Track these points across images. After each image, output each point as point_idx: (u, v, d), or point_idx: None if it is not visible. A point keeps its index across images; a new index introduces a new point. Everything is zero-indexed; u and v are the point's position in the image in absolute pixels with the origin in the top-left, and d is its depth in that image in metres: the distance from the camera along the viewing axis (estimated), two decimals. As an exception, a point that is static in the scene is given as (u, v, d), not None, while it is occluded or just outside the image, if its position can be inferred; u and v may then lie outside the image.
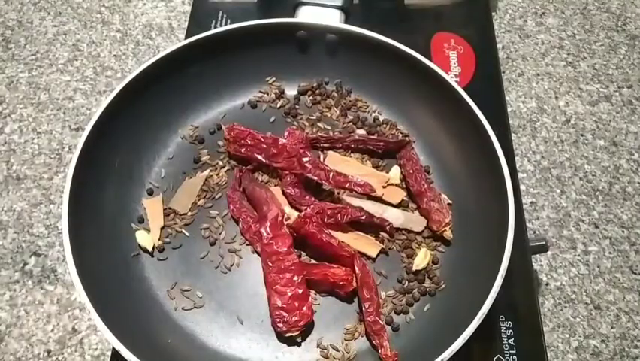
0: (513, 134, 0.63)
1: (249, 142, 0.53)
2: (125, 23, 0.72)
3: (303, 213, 0.49)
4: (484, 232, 0.48)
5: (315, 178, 0.51)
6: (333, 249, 0.47)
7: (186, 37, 0.62)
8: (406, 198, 0.53)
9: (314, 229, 0.48)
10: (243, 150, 0.54)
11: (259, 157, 0.53)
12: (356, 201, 0.52)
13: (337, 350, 0.47)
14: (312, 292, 0.48)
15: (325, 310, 0.48)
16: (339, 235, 0.50)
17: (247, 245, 0.51)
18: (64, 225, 0.45)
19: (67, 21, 0.72)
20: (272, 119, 0.58)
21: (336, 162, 0.54)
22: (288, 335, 0.46)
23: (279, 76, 0.59)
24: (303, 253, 0.50)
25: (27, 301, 0.53)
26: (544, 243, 0.55)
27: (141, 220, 0.52)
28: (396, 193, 0.52)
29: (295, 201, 0.52)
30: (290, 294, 0.46)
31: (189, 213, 0.52)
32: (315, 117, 0.58)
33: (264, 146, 0.53)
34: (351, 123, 0.57)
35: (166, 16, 0.72)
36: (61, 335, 0.51)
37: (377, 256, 0.50)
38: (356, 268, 0.46)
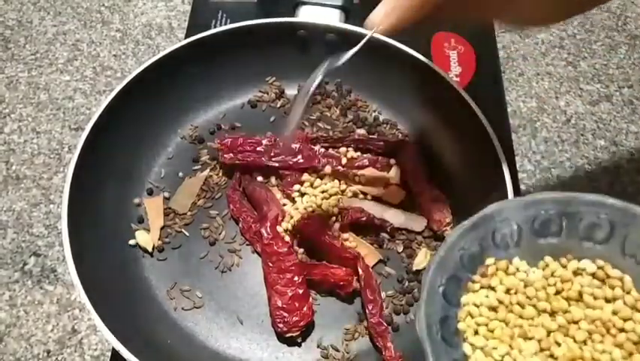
0: (513, 134, 0.63)
1: (247, 148, 0.53)
2: (125, 23, 0.72)
3: (305, 215, 0.49)
4: (484, 232, 0.48)
5: (328, 166, 0.51)
6: (336, 250, 0.47)
7: (186, 37, 0.62)
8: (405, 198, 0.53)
9: (316, 230, 0.48)
10: (240, 157, 0.53)
11: (260, 159, 0.52)
12: (356, 202, 0.52)
13: (337, 351, 0.46)
14: (313, 293, 0.48)
15: (325, 310, 0.48)
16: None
17: (247, 245, 0.51)
18: (64, 225, 0.45)
19: (67, 21, 0.72)
20: (272, 119, 0.58)
21: (337, 162, 0.54)
22: (288, 335, 0.46)
23: (279, 76, 0.59)
24: (303, 253, 0.50)
25: (27, 301, 0.53)
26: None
27: (141, 220, 0.52)
28: (397, 193, 0.52)
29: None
30: (290, 294, 0.46)
31: (189, 213, 0.52)
32: (315, 117, 0.58)
33: (263, 148, 0.52)
34: (351, 123, 0.57)
35: (166, 15, 0.72)
36: (61, 335, 0.51)
37: (375, 264, 0.49)
38: (359, 270, 0.46)
